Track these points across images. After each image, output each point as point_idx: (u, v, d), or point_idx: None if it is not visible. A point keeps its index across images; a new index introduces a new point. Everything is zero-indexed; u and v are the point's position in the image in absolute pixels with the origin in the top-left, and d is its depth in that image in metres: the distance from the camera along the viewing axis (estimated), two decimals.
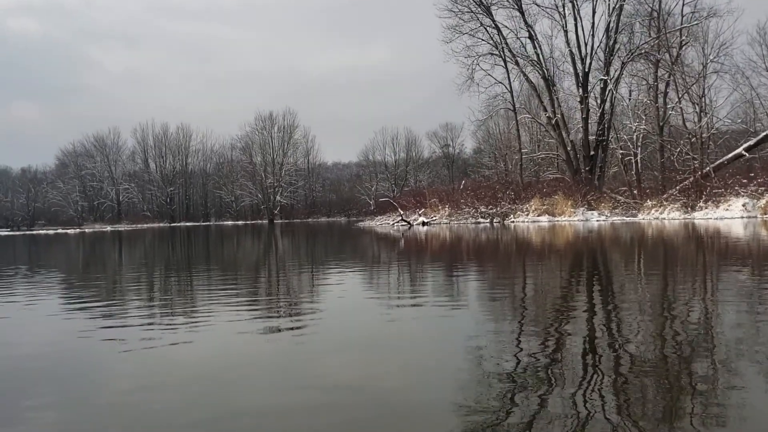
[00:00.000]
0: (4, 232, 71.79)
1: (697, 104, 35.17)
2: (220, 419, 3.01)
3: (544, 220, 32.97)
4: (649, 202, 31.86)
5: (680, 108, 36.37)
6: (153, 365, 4.25)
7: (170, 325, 5.84)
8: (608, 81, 37.62)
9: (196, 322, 5.88)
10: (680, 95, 36.08)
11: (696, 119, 35.57)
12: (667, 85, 37.23)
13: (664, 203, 30.96)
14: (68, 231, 64.82)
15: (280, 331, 5.35)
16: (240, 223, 78.77)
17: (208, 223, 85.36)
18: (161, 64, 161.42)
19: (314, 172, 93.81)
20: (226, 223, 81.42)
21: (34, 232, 65.85)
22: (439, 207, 39.13)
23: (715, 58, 35.27)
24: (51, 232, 64.33)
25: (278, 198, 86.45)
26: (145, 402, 3.35)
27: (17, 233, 65.60)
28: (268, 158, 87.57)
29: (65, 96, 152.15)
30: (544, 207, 34.43)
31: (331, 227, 44.88)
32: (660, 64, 37.04)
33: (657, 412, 2.92)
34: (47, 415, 3.19)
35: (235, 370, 4.01)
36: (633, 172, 37.23)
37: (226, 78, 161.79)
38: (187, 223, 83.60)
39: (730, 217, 26.70)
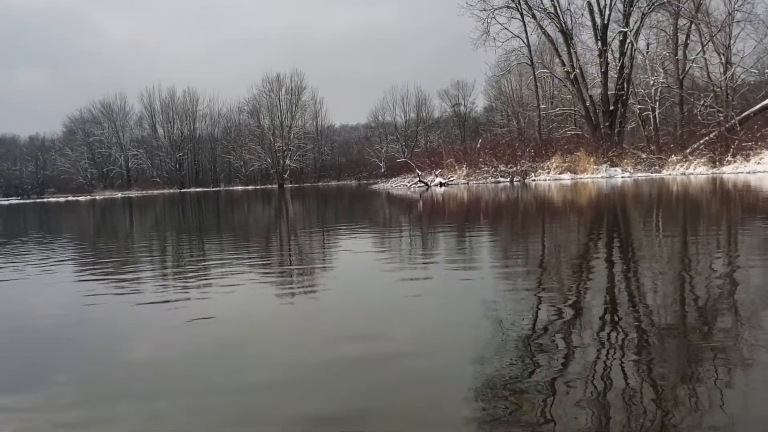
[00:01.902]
0: (14, 201, 71.63)
1: (723, 54, 33.84)
2: (235, 378, 3.02)
3: (567, 178, 32.11)
4: (674, 158, 30.89)
5: (704, 59, 35.03)
6: (167, 328, 4.24)
7: (184, 289, 5.82)
8: (628, 33, 36.18)
9: (209, 286, 5.87)
10: (704, 45, 34.68)
11: (721, 70, 34.24)
12: (688, 36, 35.85)
13: (690, 158, 29.96)
14: (79, 198, 64.62)
15: (294, 295, 5.40)
16: (250, 188, 78.26)
17: (217, 188, 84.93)
18: (166, 28, 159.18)
19: (323, 135, 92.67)
20: (235, 188, 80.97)
21: (45, 200, 65.70)
22: (456, 167, 38.16)
23: (740, 5, 33.77)
24: (61, 199, 64.21)
25: (287, 162, 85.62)
26: (161, 364, 3.37)
27: (27, 201, 65.54)
28: (276, 121, 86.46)
29: (70, 62, 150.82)
30: (566, 164, 33.54)
31: (343, 191, 44.32)
32: (681, 14, 35.51)
33: (679, 373, 2.83)
34: (64, 379, 3.20)
35: (249, 332, 4.06)
36: (651, 128, 36.11)
37: (231, 41, 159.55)
38: (197, 189, 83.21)
39: (762, 170, 25.71)
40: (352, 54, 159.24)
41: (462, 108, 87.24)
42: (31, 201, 66.92)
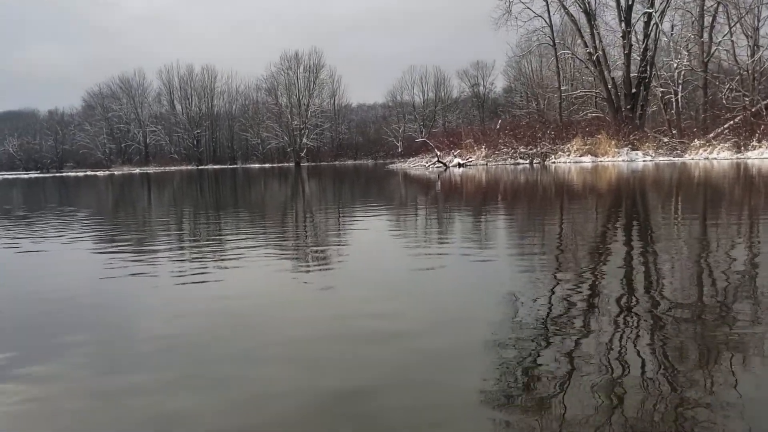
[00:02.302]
0: (34, 174, 72.44)
1: (751, 37, 33.12)
2: (249, 352, 3.05)
3: (587, 161, 31.79)
4: (696, 142, 30.41)
5: (731, 41, 34.31)
6: (184, 302, 4.29)
7: (201, 265, 5.83)
8: (653, 14, 35.51)
9: (225, 261, 5.93)
10: (731, 27, 33.95)
11: (748, 53, 33.54)
12: (714, 18, 35.04)
13: (713, 143, 29.49)
14: (97, 173, 65.14)
15: (309, 272, 5.41)
16: (267, 165, 78.47)
17: (234, 166, 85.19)
18: (184, 4, 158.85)
19: (340, 114, 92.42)
20: (252, 165, 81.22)
21: (63, 174, 66.36)
22: (475, 148, 37.90)
23: None
24: (80, 174, 64.86)
25: (304, 140, 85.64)
26: (175, 337, 3.41)
27: (47, 175, 66.20)
28: (294, 99, 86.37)
29: (89, 38, 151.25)
30: (587, 147, 33.16)
31: (360, 170, 44.27)
32: None
33: (695, 358, 2.82)
34: (80, 351, 3.25)
35: (263, 308, 4.09)
36: (673, 111, 35.55)
37: (250, 19, 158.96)
38: (214, 166, 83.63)
39: None
40: (369, 32, 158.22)
41: (481, 88, 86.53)
42: (51, 175, 67.67)
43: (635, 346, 2.96)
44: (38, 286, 5.09)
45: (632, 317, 3.45)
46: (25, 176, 64.85)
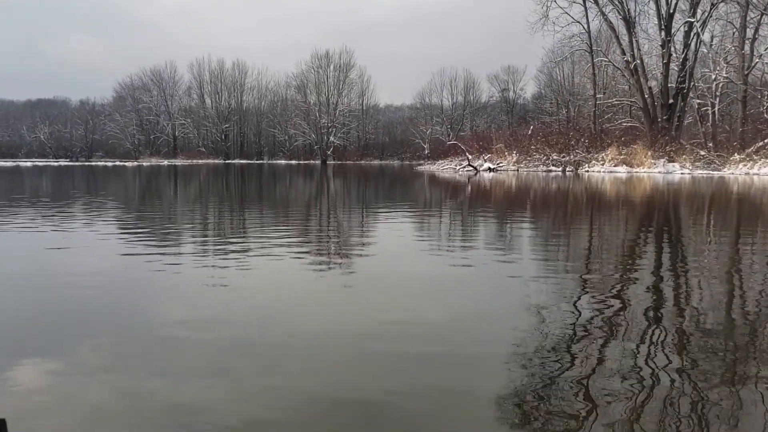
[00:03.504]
0: (63, 162, 73.31)
1: None
2: (266, 347, 3.05)
3: (622, 171, 31.08)
4: (736, 156, 29.48)
5: None
6: (204, 295, 4.30)
7: (224, 257, 5.85)
8: (694, 23, 34.60)
9: (248, 256, 5.91)
10: None
11: None
12: (757, 29, 34.01)
13: (754, 158, 28.54)
14: (126, 164, 65.66)
15: (330, 269, 5.35)
16: (293, 162, 78.56)
17: (261, 161, 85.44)
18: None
19: (368, 114, 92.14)
20: (279, 162, 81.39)
21: (93, 163, 67.07)
22: (506, 153, 37.35)
23: None
24: (109, 164, 65.61)
25: (331, 138, 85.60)
26: (194, 329, 3.42)
27: (76, 164, 67.02)
28: (323, 98, 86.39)
29: (121, 29, 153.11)
30: (622, 157, 32.46)
31: (388, 170, 43.92)
32: (751, 6, 33.73)
33: (722, 378, 2.72)
34: (96, 343, 3.29)
35: (286, 302, 4.09)
36: (708, 124, 34.63)
37: (281, 15, 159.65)
38: (241, 161, 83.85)
39: None
40: (399, 33, 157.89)
41: (510, 93, 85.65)
42: (80, 164, 68.41)
43: (660, 363, 2.88)
44: (61, 275, 5.22)
45: (658, 333, 3.38)
46: (55, 164, 65.69)
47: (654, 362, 2.89)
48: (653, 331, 3.43)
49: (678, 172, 30.05)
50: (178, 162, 76.60)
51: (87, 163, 69.46)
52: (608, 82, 50.63)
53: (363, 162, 79.96)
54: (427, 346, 3.15)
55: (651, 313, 3.83)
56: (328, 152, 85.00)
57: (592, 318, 3.67)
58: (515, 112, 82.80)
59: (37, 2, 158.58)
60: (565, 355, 2.98)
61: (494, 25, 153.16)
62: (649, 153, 31.80)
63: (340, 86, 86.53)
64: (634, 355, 2.99)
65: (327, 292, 4.47)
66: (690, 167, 30.63)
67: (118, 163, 70.16)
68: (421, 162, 57.34)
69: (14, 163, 64.03)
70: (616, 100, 45.16)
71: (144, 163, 69.40)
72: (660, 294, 4.47)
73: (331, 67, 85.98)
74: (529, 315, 3.76)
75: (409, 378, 2.70)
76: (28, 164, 60.51)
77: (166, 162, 76.06)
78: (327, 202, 14.69)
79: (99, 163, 72.22)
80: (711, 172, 29.49)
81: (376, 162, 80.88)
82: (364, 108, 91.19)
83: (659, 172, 30.16)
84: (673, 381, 2.65)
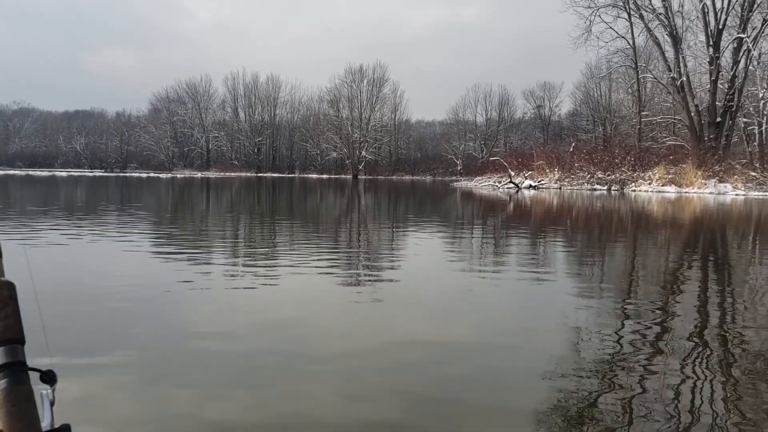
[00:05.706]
0: (98, 173, 74.22)
1: None
2: (292, 363, 3.03)
3: (671, 191, 29.97)
4: None
5: None
6: (233, 308, 4.33)
7: (253, 270, 5.90)
8: (745, 39, 33.36)
9: (276, 270, 5.93)
10: None
11: None
12: None
13: None
14: (159, 175, 66.09)
15: (359, 284, 5.32)
16: (324, 176, 78.49)
17: (293, 175, 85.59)
18: (252, 13, 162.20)
19: (400, 129, 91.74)
20: (310, 176, 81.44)
21: (127, 174, 67.75)
22: (547, 170, 36.34)
23: None
24: (143, 175, 66.29)
25: (363, 153, 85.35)
26: (222, 342, 3.42)
27: (111, 174, 67.84)
28: (356, 113, 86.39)
29: (157, 42, 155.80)
30: (670, 176, 31.30)
31: (421, 186, 43.27)
32: None
33: (763, 407, 2.61)
34: (124, 353, 3.31)
35: (310, 319, 4.09)
36: (755, 144, 33.32)
37: (315, 31, 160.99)
38: (273, 174, 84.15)
39: None
40: (433, 49, 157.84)
41: (546, 110, 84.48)
42: (114, 174, 69.17)
43: (700, 392, 2.77)
44: (94, 285, 5.34)
45: (701, 358, 3.24)
46: (90, 174, 66.43)
47: (699, 390, 2.76)
48: (696, 355, 3.30)
49: (731, 193, 28.81)
50: (211, 174, 77.16)
51: (121, 174, 70.22)
52: (648, 99, 49.38)
53: (395, 177, 79.51)
54: (455, 368, 3.10)
55: (694, 339, 3.68)
56: (360, 167, 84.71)
57: (633, 344, 3.53)
58: (550, 128, 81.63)
59: (75, 16, 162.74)
60: (604, 384, 2.89)
61: (522, 43, 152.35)
62: (699, 173, 30.58)
63: (373, 101, 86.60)
64: (675, 379, 2.87)
65: (355, 310, 4.43)
66: (743, 188, 29.34)
67: (152, 174, 70.87)
68: (456, 178, 56.50)
69: (50, 173, 64.96)
70: (661, 118, 43.91)
71: (177, 175, 69.98)
72: (705, 318, 4.27)
73: (365, 81, 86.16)
74: (565, 337, 3.68)
75: (440, 397, 2.65)
76: (64, 174, 61.39)
77: (199, 174, 76.66)
78: (367, 219, 14.53)
79: (133, 174, 73.09)
80: (765, 193, 28.15)
81: (407, 177, 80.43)
82: (396, 123, 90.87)
83: (710, 193, 29.03)
84: (716, 414, 2.52)
